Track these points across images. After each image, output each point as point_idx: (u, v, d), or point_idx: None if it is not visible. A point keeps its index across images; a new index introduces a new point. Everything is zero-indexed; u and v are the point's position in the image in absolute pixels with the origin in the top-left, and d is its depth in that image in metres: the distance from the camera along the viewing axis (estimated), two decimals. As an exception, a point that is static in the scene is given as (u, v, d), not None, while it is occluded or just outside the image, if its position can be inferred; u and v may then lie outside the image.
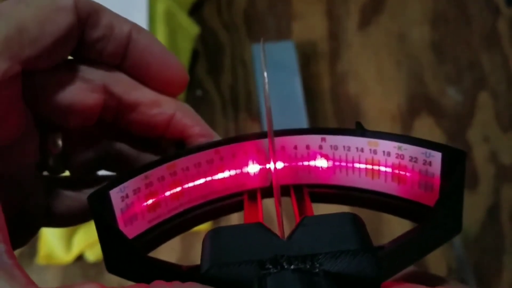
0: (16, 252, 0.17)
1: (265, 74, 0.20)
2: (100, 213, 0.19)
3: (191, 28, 0.63)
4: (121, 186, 0.20)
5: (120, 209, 0.20)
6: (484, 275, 0.53)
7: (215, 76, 0.64)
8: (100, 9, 0.20)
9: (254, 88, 0.62)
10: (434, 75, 0.63)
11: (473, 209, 0.56)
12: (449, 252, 0.54)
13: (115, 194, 0.19)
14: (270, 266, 0.17)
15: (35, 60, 0.18)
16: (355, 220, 0.18)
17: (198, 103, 0.62)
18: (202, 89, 0.64)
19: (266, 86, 0.21)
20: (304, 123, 0.56)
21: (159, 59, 0.21)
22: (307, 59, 0.65)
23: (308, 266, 0.17)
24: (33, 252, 0.53)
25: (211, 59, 0.66)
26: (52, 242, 0.53)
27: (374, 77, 0.64)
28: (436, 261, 0.54)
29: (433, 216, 0.19)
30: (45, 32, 0.18)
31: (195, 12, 0.67)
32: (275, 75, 0.58)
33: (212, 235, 0.19)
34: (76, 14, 0.19)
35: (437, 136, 0.59)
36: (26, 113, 0.20)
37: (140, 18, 0.54)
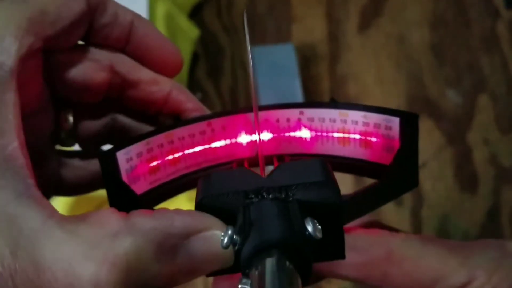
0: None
1: (248, 42, 0.23)
2: (109, 168, 0.22)
3: (191, 31, 0.63)
4: (126, 149, 0.23)
5: (125, 170, 0.23)
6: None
7: (215, 79, 0.64)
8: None
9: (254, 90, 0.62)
10: (434, 78, 0.63)
11: (473, 211, 0.56)
12: (449, 254, 0.54)
13: (121, 156, 0.22)
14: (253, 196, 0.20)
15: (53, 39, 0.21)
16: (323, 163, 0.21)
17: (198, 105, 0.62)
18: (202, 91, 0.64)
19: (250, 59, 0.23)
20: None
21: (157, 44, 0.25)
22: (307, 61, 0.65)
23: (283, 196, 0.20)
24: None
25: (211, 62, 0.66)
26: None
27: (373, 79, 0.64)
28: (436, 263, 0.54)
29: (389, 171, 0.22)
30: (62, 15, 0.21)
31: (195, 14, 0.68)
32: (275, 77, 0.58)
33: (205, 177, 0.22)
34: (87, 2, 0.22)
35: (436, 138, 0.59)
36: (44, 88, 0.23)
37: (140, 20, 0.54)
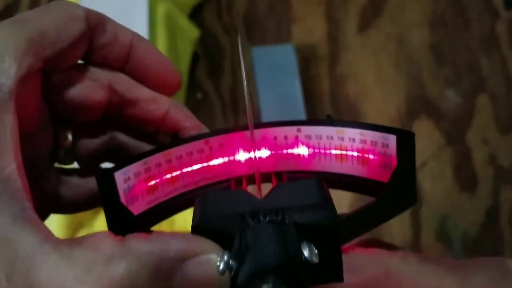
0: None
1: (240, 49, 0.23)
2: (106, 188, 0.22)
3: (191, 31, 0.63)
4: (124, 169, 0.23)
5: (123, 190, 0.23)
6: (484, 277, 0.53)
7: (215, 79, 0.65)
8: (107, 19, 0.24)
9: (254, 91, 0.62)
10: (433, 78, 0.63)
11: (473, 211, 0.56)
12: (449, 254, 0.54)
13: (119, 176, 0.22)
14: (249, 219, 0.20)
15: (53, 60, 0.21)
16: (319, 183, 0.21)
17: (198, 105, 0.62)
18: (202, 91, 0.64)
19: (243, 68, 0.24)
20: (303, 126, 0.56)
21: (156, 63, 0.25)
22: (306, 61, 0.65)
23: (279, 218, 0.20)
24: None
25: (211, 62, 0.66)
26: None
27: (373, 79, 0.64)
28: (436, 263, 0.54)
29: (386, 189, 0.22)
30: (62, 36, 0.21)
31: (195, 15, 0.68)
32: (275, 77, 0.58)
33: (202, 198, 0.22)
34: (86, 22, 0.22)
35: (436, 138, 0.59)
36: (43, 107, 0.23)
37: (140, 21, 0.54)
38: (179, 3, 0.62)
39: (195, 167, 0.25)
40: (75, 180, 0.27)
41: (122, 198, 0.22)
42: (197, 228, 0.20)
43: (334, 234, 0.20)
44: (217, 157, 0.25)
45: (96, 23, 0.23)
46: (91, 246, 0.18)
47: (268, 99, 0.56)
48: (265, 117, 0.55)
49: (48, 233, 0.18)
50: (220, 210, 0.20)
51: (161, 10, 0.57)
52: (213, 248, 0.19)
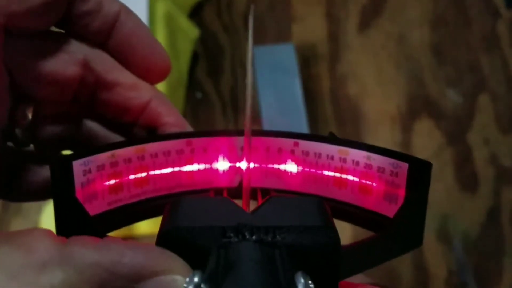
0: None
1: (249, 55, 0.20)
2: (60, 178, 0.18)
3: (191, 31, 0.63)
4: (85, 159, 0.19)
5: (81, 183, 0.19)
6: (484, 278, 0.53)
7: (215, 78, 0.64)
8: None
9: (254, 90, 0.62)
10: (434, 77, 0.63)
11: (473, 211, 0.56)
12: (449, 255, 0.54)
13: (78, 166, 0.19)
14: (232, 235, 0.16)
15: (20, 19, 0.18)
16: (321, 204, 0.18)
17: (198, 105, 0.62)
18: (202, 91, 0.64)
19: (250, 77, 0.20)
20: (303, 125, 0.56)
21: (144, 44, 0.22)
22: (307, 61, 0.65)
23: (270, 239, 0.16)
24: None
25: (211, 61, 0.66)
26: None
27: (373, 79, 0.64)
28: (436, 263, 0.54)
29: (390, 226, 0.19)
30: None
31: (195, 14, 0.68)
32: (275, 77, 0.58)
33: (174, 202, 0.18)
34: None
35: (436, 138, 0.59)
36: (2, 74, 0.20)
37: (140, 20, 0.54)
38: (179, 3, 0.62)
39: (171, 169, 0.21)
40: (30, 166, 0.23)
41: (78, 193, 0.19)
42: (164, 238, 0.16)
43: (336, 264, 0.17)
44: (198, 162, 0.21)
45: None
46: (23, 245, 0.15)
47: (268, 98, 0.56)
48: (265, 117, 0.55)
49: None
50: (197, 219, 0.17)
51: (160, 9, 0.57)
52: (180, 266, 0.16)
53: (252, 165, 0.22)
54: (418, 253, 0.54)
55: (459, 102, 0.62)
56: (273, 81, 0.57)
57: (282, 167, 0.22)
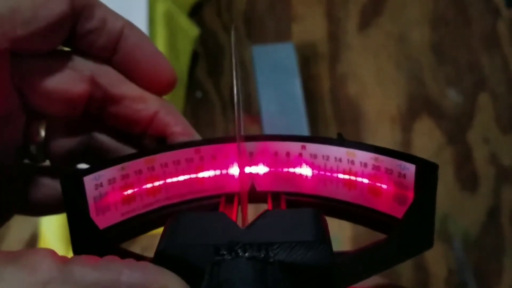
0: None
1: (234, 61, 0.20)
2: (71, 196, 0.19)
3: (191, 30, 0.63)
4: (96, 174, 0.20)
5: (93, 197, 0.20)
6: (484, 277, 0.53)
7: (215, 78, 0.64)
8: (96, 3, 0.21)
9: (254, 90, 0.62)
10: (434, 77, 0.63)
11: (473, 210, 0.56)
12: (449, 254, 0.54)
13: (89, 181, 0.19)
14: (225, 253, 0.17)
15: (26, 42, 0.19)
16: (315, 215, 0.18)
17: (198, 104, 0.62)
18: (202, 90, 0.64)
19: (235, 83, 0.21)
20: (304, 125, 0.56)
21: (149, 57, 0.22)
22: (307, 60, 0.65)
23: (262, 255, 0.17)
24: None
25: (211, 61, 0.66)
26: (52, 244, 0.53)
27: (374, 78, 0.63)
28: (436, 262, 0.54)
29: (398, 227, 0.19)
30: (38, 15, 0.19)
31: (195, 13, 0.67)
32: (275, 76, 0.58)
33: (173, 219, 0.19)
34: (70, 3, 0.20)
35: (437, 137, 0.59)
36: (13, 95, 0.21)
37: (139, 19, 0.54)
38: (178, 2, 0.62)
39: (182, 178, 0.22)
40: (45, 181, 0.24)
41: (91, 207, 0.20)
42: (161, 256, 0.17)
43: (328, 278, 0.17)
44: (208, 169, 0.22)
45: (82, 5, 0.20)
46: (27, 266, 0.15)
47: (268, 98, 0.56)
48: (265, 117, 0.55)
49: None
50: (192, 236, 0.17)
51: (160, 8, 0.57)
52: (177, 283, 0.16)
53: (263, 169, 0.22)
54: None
55: (459, 101, 0.62)
56: (273, 81, 0.57)
57: (291, 170, 0.22)
